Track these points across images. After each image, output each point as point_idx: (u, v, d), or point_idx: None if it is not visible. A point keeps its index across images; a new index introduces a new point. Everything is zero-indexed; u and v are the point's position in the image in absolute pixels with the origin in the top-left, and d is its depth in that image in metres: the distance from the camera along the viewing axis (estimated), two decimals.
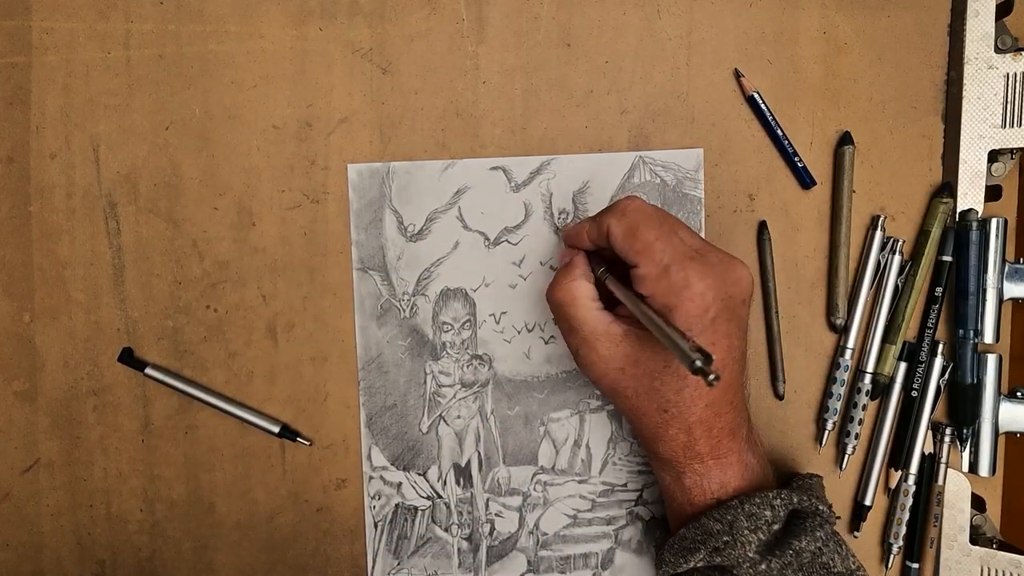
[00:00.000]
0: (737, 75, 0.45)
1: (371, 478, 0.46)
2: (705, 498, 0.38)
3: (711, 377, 0.28)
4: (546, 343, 0.46)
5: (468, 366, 0.46)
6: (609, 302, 0.40)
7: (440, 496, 0.47)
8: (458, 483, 0.47)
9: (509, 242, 0.46)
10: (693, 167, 0.46)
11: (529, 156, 0.45)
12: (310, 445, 0.46)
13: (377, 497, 0.46)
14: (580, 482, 0.47)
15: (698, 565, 0.37)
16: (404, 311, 0.46)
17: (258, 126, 0.45)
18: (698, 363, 0.29)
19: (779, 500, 0.37)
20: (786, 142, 0.45)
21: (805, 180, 0.46)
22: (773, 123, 0.45)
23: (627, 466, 0.47)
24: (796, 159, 0.45)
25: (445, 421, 0.46)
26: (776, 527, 0.37)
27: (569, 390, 0.46)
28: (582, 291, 0.39)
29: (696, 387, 0.36)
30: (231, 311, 0.46)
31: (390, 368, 0.46)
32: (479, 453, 0.47)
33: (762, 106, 0.45)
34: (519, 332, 0.46)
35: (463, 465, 0.47)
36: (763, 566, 0.36)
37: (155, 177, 0.45)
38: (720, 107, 0.46)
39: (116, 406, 0.46)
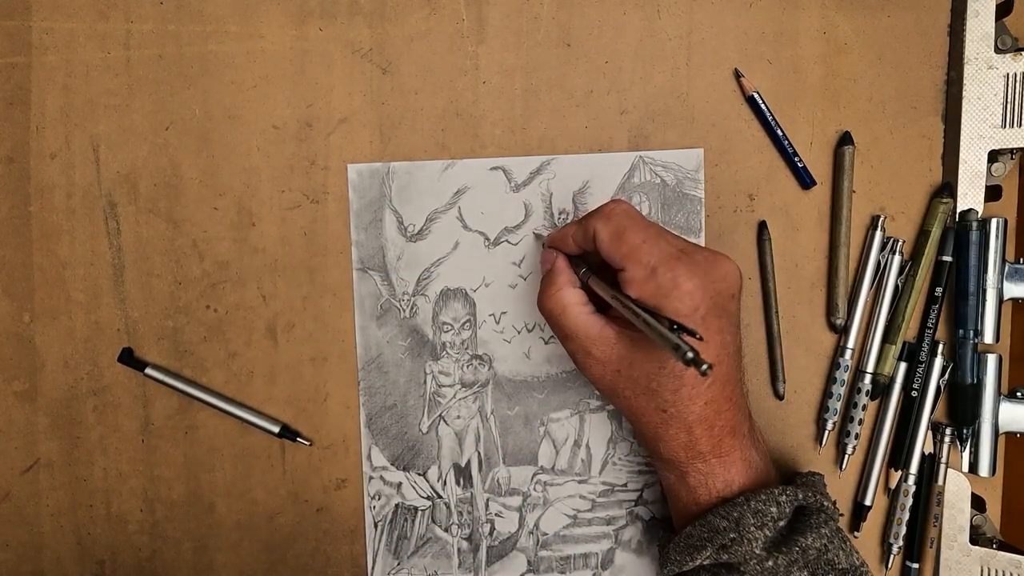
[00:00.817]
0: (737, 75, 0.45)
1: (371, 478, 0.46)
2: (710, 496, 0.38)
3: (704, 367, 0.28)
4: (546, 343, 0.46)
5: (468, 366, 0.46)
6: (600, 304, 0.40)
7: (440, 496, 0.47)
8: (458, 483, 0.47)
9: (509, 242, 0.46)
10: (693, 167, 0.46)
11: (529, 156, 0.45)
12: (310, 445, 0.46)
13: (377, 497, 0.46)
14: (580, 482, 0.47)
15: (704, 563, 0.37)
16: (404, 311, 0.46)
17: (258, 126, 0.45)
18: (689, 354, 0.29)
19: (784, 496, 0.37)
20: (786, 142, 0.45)
21: (805, 180, 0.46)
22: (773, 123, 0.45)
23: (627, 466, 0.47)
24: (796, 159, 0.45)
25: (445, 421, 0.46)
26: (782, 524, 0.37)
27: (569, 390, 0.46)
28: (571, 298, 0.39)
29: (694, 385, 0.36)
30: (231, 311, 0.46)
31: (390, 368, 0.46)
32: (479, 453, 0.47)
33: (762, 106, 0.45)
34: (519, 332, 0.46)
35: (463, 465, 0.47)
36: (770, 563, 0.36)
37: (155, 177, 0.45)
38: (720, 107, 0.46)
39: (116, 406, 0.46)
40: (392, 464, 0.46)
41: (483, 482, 0.47)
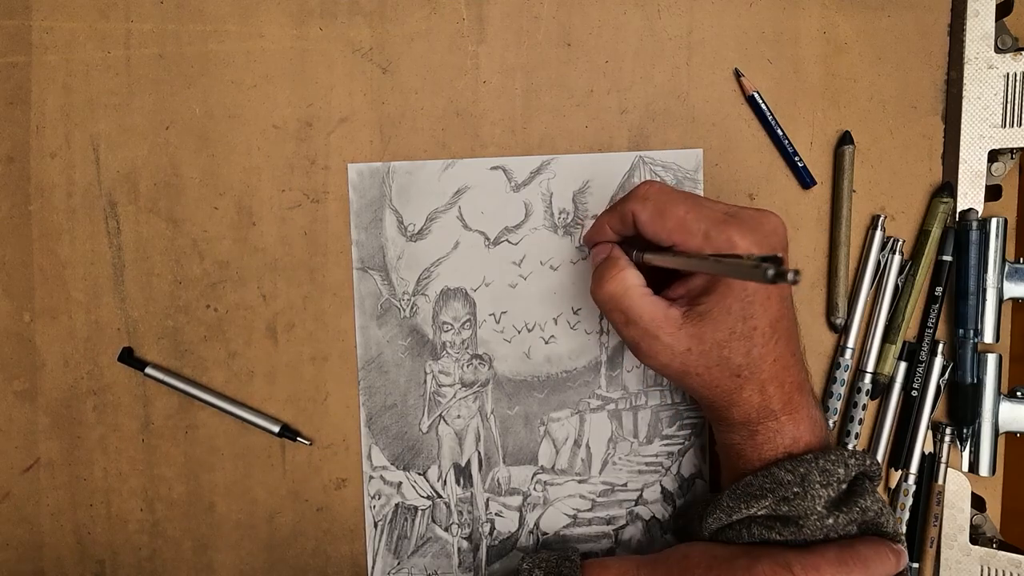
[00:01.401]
0: (737, 75, 0.45)
1: (371, 478, 0.46)
2: (776, 452, 0.38)
3: (790, 275, 0.27)
4: (546, 343, 0.46)
5: (468, 366, 0.46)
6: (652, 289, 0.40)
7: (440, 496, 0.47)
8: (458, 483, 0.47)
9: (509, 242, 0.46)
10: (693, 167, 0.46)
11: (529, 156, 0.45)
12: (310, 445, 0.46)
13: (377, 497, 0.46)
14: (580, 482, 0.47)
15: (759, 513, 0.37)
16: (404, 311, 0.46)
17: (258, 126, 0.45)
18: (771, 271, 0.28)
19: (854, 460, 0.37)
20: (786, 142, 0.45)
21: (805, 180, 0.46)
22: (773, 123, 0.45)
23: (627, 466, 0.47)
24: (796, 159, 0.45)
25: (445, 421, 0.46)
26: (843, 486, 0.37)
27: (569, 390, 0.46)
28: (632, 280, 0.38)
29: (764, 344, 0.36)
30: (231, 311, 0.46)
31: (390, 368, 0.46)
32: (479, 453, 0.47)
33: (762, 106, 0.45)
34: (519, 332, 0.46)
35: (463, 465, 0.47)
36: (830, 520, 0.36)
37: (155, 177, 0.45)
38: (720, 107, 0.46)
39: (116, 406, 0.46)
40: (392, 464, 0.46)
41: (483, 482, 0.47)
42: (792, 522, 0.37)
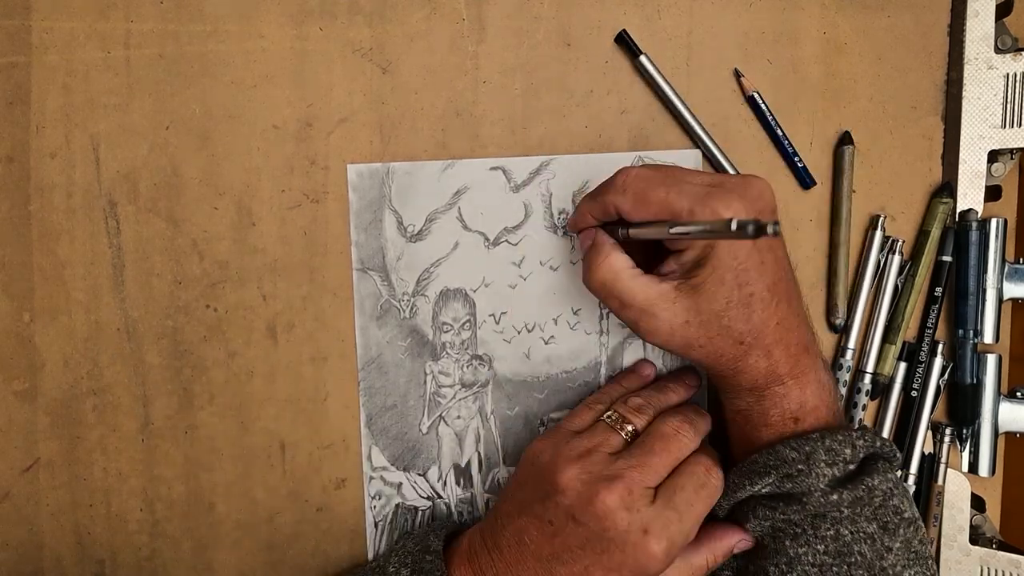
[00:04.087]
0: (737, 75, 0.45)
1: (371, 478, 0.46)
2: (783, 416, 0.38)
3: (771, 228, 0.27)
4: (546, 343, 0.46)
5: (468, 366, 0.46)
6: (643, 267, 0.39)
7: (440, 496, 0.47)
8: (458, 483, 0.47)
9: (509, 242, 0.46)
10: (692, 167, 0.46)
11: (529, 156, 0.45)
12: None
13: (377, 497, 0.46)
14: None
15: (763, 491, 0.37)
16: (404, 311, 0.46)
17: (258, 126, 0.45)
18: (751, 227, 0.28)
19: (863, 440, 0.37)
20: (786, 142, 0.45)
21: (805, 180, 0.46)
22: (773, 123, 0.45)
23: None
24: (796, 159, 0.45)
25: (445, 421, 0.46)
26: (851, 467, 0.37)
27: (569, 390, 0.46)
28: (620, 263, 0.38)
29: (764, 309, 0.36)
30: (231, 311, 0.46)
31: (390, 368, 0.46)
32: (479, 453, 0.47)
33: (762, 106, 0.45)
34: (519, 332, 0.46)
35: (463, 465, 0.47)
36: (835, 496, 0.36)
37: (155, 177, 0.45)
38: (720, 107, 0.46)
39: (116, 406, 0.46)
40: (392, 464, 0.46)
41: (483, 482, 0.47)
42: (796, 499, 0.36)
